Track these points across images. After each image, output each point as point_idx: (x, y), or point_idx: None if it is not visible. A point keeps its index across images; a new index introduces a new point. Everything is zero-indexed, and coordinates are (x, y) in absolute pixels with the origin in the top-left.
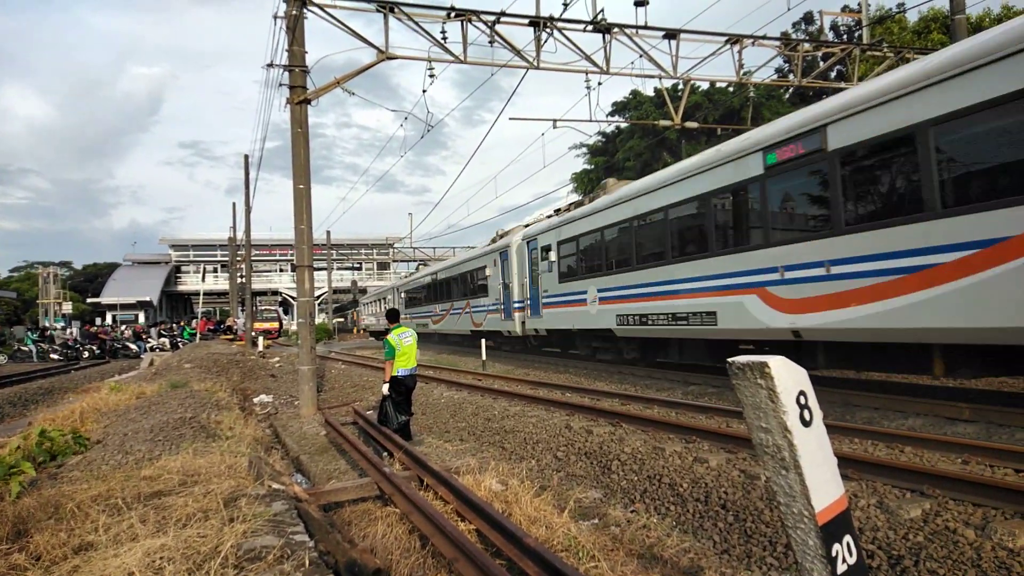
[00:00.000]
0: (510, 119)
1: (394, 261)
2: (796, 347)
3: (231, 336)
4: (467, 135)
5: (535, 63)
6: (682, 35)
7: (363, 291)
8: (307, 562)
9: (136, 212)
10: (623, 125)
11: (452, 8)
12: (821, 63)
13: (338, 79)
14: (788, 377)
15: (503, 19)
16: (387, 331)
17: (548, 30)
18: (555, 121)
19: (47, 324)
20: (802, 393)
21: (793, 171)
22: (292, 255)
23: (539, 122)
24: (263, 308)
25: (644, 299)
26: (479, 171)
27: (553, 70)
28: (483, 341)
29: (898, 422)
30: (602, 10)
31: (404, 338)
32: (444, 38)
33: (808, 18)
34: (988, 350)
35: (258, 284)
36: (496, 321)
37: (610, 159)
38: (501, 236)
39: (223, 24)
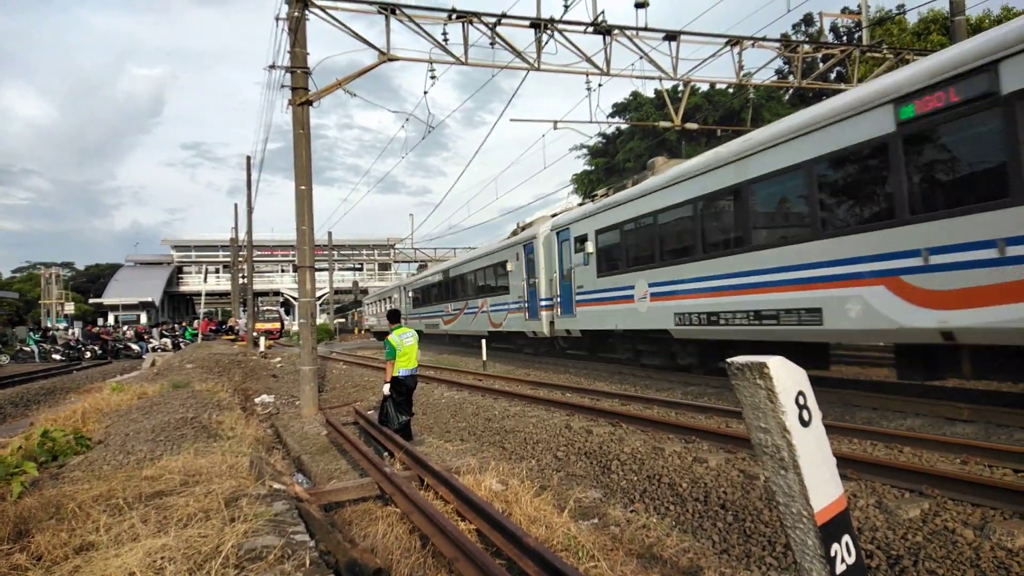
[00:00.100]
0: (511, 120)
1: (395, 262)
2: (924, 352)
3: (233, 336)
4: (468, 136)
5: (536, 65)
6: (682, 37)
7: (364, 292)
8: (308, 562)
9: (138, 213)
10: (623, 126)
11: (453, 10)
12: (821, 64)
13: (340, 80)
14: (787, 377)
15: (504, 21)
16: (389, 332)
17: (549, 32)
18: (556, 122)
19: (49, 324)
20: (801, 393)
21: (944, 125)
22: (294, 256)
23: (540, 123)
24: (265, 309)
25: (713, 294)
26: (480, 172)
27: (554, 72)
28: (483, 342)
29: (897, 422)
30: (602, 12)
31: (405, 338)
32: (445, 40)
33: (808, 20)
34: None
35: (260, 285)
36: (518, 321)
37: (610, 160)
38: (523, 228)
39: (224, 25)
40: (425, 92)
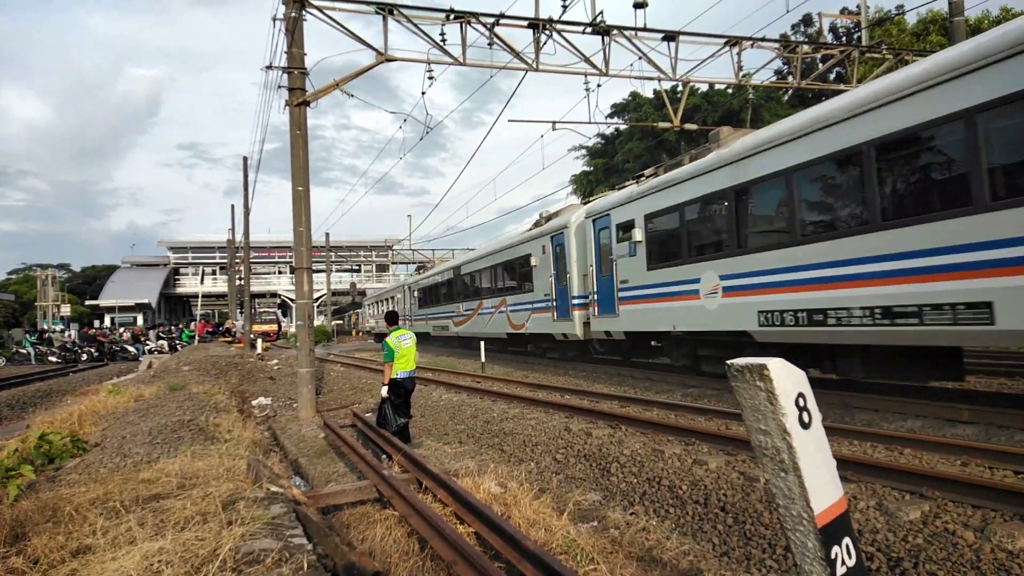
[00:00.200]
0: (509, 121)
1: (393, 263)
2: None
3: (230, 338)
4: (466, 137)
5: (534, 65)
6: (681, 37)
7: (362, 293)
8: (305, 565)
9: (134, 214)
10: (622, 127)
11: (451, 10)
12: (820, 65)
13: (337, 81)
14: (787, 379)
15: (502, 21)
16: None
17: (547, 32)
18: (554, 123)
19: (45, 327)
20: (801, 395)
21: None
22: (291, 257)
23: (538, 124)
24: (262, 310)
25: (816, 287)
26: (478, 173)
27: (552, 72)
28: (482, 344)
29: (897, 424)
30: (601, 12)
31: (403, 340)
32: (443, 40)
33: (807, 20)
34: None
35: (257, 286)
36: (545, 322)
37: (609, 161)
38: (548, 218)
39: (222, 26)
40: (423, 93)
